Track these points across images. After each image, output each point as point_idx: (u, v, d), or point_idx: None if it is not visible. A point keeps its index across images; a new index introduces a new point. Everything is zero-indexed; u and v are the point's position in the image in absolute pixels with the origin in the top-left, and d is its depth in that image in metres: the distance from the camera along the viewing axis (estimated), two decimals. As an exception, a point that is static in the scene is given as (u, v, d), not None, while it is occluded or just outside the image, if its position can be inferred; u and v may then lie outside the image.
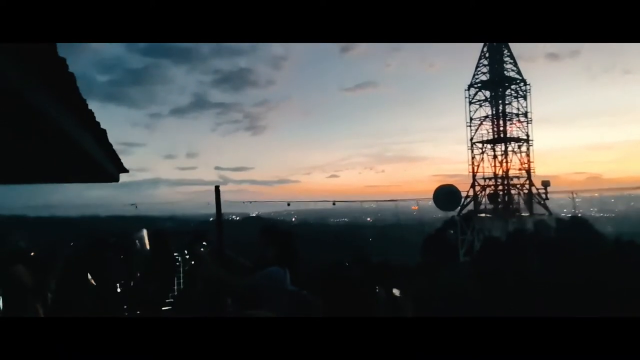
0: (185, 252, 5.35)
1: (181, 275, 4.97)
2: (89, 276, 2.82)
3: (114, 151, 2.57)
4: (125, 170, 3.49)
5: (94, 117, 1.71)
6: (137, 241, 3.21)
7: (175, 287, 4.95)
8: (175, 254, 4.61)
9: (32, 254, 2.85)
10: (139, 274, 3.40)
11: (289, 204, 40.31)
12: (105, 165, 2.72)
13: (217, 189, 5.80)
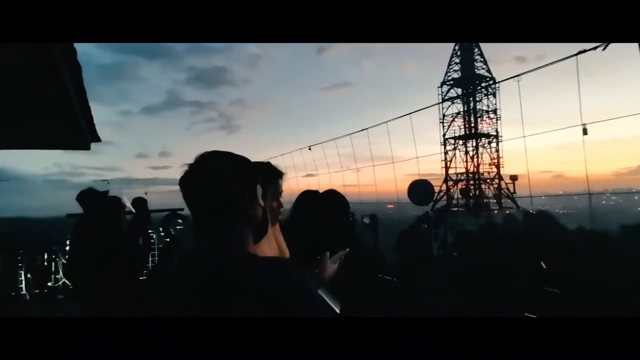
0: (161, 229, 5.25)
1: (155, 253, 4.88)
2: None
3: (89, 108, 2.49)
4: (98, 139, 3.39)
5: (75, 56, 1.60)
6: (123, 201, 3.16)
7: (150, 265, 4.84)
8: (150, 232, 4.52)
9: None
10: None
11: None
12: (79, 124, 2.64)
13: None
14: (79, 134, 2.82)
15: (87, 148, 3.35)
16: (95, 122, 2.85)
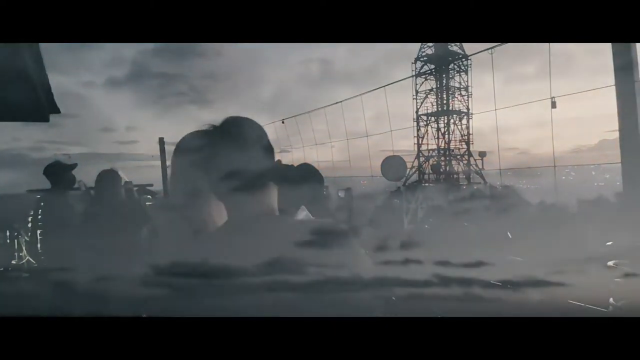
0: (129, 205, 5.14)
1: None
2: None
3: (46, 76, 2.34)
4: (58, 111, 3.22)
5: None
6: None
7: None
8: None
9: None
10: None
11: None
12: (36, 94, 2.49)
13: (161, 140, 5.61)
14: (37, 104, 2.66)
15: (46, 120, 3.16)
16: (54, 92, 2.70)
